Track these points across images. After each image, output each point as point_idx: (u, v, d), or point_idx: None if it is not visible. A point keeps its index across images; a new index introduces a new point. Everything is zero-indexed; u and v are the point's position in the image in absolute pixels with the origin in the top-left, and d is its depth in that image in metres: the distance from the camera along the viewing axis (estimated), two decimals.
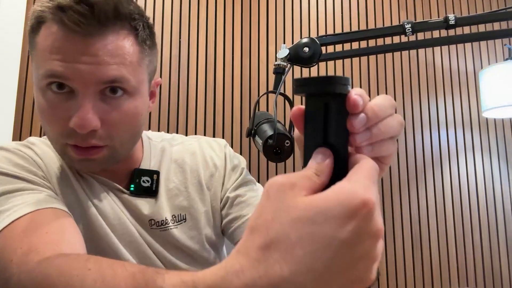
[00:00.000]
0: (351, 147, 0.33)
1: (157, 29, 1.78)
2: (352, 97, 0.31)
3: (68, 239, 0.53)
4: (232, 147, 1.08)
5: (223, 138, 1.75)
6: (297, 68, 1.85)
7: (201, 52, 1.82)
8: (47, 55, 0.55)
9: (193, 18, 1.84)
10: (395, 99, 2.01)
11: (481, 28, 1.89)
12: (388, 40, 1.78)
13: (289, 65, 0.78)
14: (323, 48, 0.77)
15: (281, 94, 0.77)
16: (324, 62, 1.93)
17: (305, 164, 0.32)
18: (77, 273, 0.41)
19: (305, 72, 1.90)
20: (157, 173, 0.71)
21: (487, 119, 2.11)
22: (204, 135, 1.78)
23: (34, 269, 0.46)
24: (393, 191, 1.93)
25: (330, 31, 1.98)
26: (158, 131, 1.64)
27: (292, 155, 0.71)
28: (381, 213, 0.29)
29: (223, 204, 0.75)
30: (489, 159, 2.09)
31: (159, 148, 0.76)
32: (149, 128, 1.72)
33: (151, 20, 0.64)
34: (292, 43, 1.22)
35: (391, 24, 2.04)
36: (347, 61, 1.97)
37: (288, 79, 1.89)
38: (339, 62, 1.95)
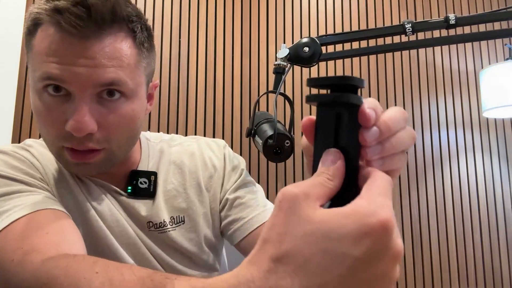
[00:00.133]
0: (361, 160, 0.32)
1: (157, 29, 1.78)
2: (366, 111, 0.30)
3: (69, 240, 0.53)
4: (232, 147, 1.08)
5: (223, 138, 1.75)
6: (297, 68, 1.85)
7: (201, 52, 1.82)
8: (44, 57, 0.54)
9: (193, 18, 1.83)
10: (395, 99, 2.01)
11: (481, 28, 1.89)
12: (388, 40, 1.78)
13: (289, 65, 0.77)
14: (323, 48, 0.77)
15: (281, 94, 0.76)
16: (324, 62, 1.93)
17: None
18: (84, 276, 0.41)
19: (306, 73, 1.90)
20: (155, 174, 0.71)
21: (487, 119, 2.11)
22: (204, 135, 1.78)
23: (39, 268, 0.46)
24: (393, 191, 1.93)
25: (330, 31, 1.98)
26: (158, 131, 1.64)
27: (292, 155, 0.70)
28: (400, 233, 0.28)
29: (223, 205, 0.75)
30: (489, 159, 2.09)
31: (157, 149, 0.76)
32: (149, 128, 1.72)
33: (149, 22, 0.64)
34: (292, 43, 1.22)
35: (391, 24, 2.04)
36: (347, 61, 1.97)
37: (288, 79, 1.89)
38: (339, 62, 1.95)
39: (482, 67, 2.13)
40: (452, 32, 0.78)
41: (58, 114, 0.56)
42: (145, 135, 0.78)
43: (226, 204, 0.74)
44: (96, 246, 0.64)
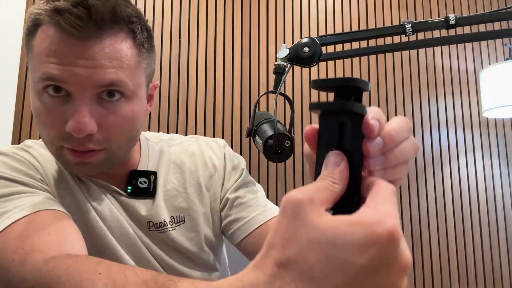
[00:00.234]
0: (363, 171, 0.32)
1: (157, 30, 1.78)
2: (369, 122, 0.30)
3: (70, 240, 0.53)
4: (232, 147, 1.08)
5: (223, 138, 1.75)
6: (297, 68, 1.85)
7: (201, 52, 1.82)
8: (44, 58, 0.54)
9: (193, 18, 1.83)
10: (395, 99, 2.01)
11: (481, 28, 1.89)
12: (388, 40, 1.78)
13: (289, 65, 0.77)
14: (323, 48, 0.77)
15: (281, 94, 0.76)
16: (324, 62, 1.93)
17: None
18: (87, 276, 0.41)
19: (306, 74, 1.90)
20: (154, 173, 0.71)
21: (487, 119, 2.11)
22: (204, 135, 1.78)
23: (41, 268, 0.46)
24: None
25: (330, 31, 1.98)
26: (158, 131, 1.64)
27: (292, 155, 0.70)
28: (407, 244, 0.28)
29: (223, 205, 0.75)
30: (489, 159, 2.09)
31: (157, 149, 0.76)
32: (149, 128, 1.72)
33: (149, 23, 0.64)
34: (292, 43, 1.22)
35: (391, 24, 2.04)
36: (347, 61, 1.97)
37: (288, 79, 1.89)
38: (339, 62, 1.95)
39: (482, 67, 2.13)
40: (452, 32, 0.78)
41: (58, 114, 0.56)
42: (144, 135, 0.78)
43: (226, 203, 0.74)
44: (96, 247, 0.64)
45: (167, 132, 1.72)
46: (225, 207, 0.74)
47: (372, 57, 2.00)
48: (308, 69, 1.90)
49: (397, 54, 2.04)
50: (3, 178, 0.59)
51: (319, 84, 0.31)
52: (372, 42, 1.78)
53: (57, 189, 0.64)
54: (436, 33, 1.82)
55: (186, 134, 1.61)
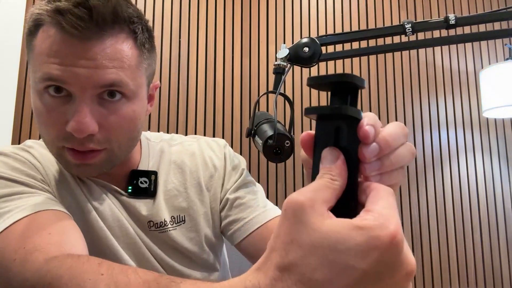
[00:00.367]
0: (359, 176, 0.31)
1: (157, 30, 1.78)
2: (364, 127, 0.29)
3: (71, 240, 0.53)
4: (232, 147, 1.08)
5: (223, 138, 1.75)
6: (297, 68, 1.85)
7: (201, 52, 1.82)
8: (45, 58, 0.54)
9: (193, 18, 1.83)
10: (395, 99, 2.01)
11: (481, 28, 1.89)
12: (388, 40, 1.78)
13: (289, 65, 0.77)
14: (323, 48, 0.77)
15: (281, 94, 0.76)
16: (324, 62, 1.93)
17: None
18: (89, 277, 0.41)
19: (306, 74, 1.90)
20: (155, 173, 0.71)
21: (487, 119, 2.11)
22: (204, 135, 1.78)
23: (42, 267, 0.46)
24: None
25: (330, 31, 1.98)
26: (158, 131, 1.64)
27: (292, 155, 0.70)
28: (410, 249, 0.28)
29: (223, 205, 0.75)
30: (489, 159, 2.09)
31: (157, 149, 0.76)
32: (149, 128, 1.72)
33: (150, 23, 0.64)
34: (292, 43, 1.22)
35: (391, 24, 2.04)
36: (347, 61, 1.97)
37: (288, 79, 1.89)
38: (339, 62, 1.95)
39: (482, 67, 2.13)
40: (452, 32, 0.78)
41: (59, 115, 0.56)
42: (145, 135, 0.78)
43: (226, 204, 0.74)
44: (96, 247, 0.64)
45: (167, 132, 1.72)
46: (225, 208, 0.74)
47: (372, 57, 2.00)
48: (308, 69, 1.90)
49: (397, 54, 2.04)
50: (4, 178, 0.59)
51: (315, 81, 0.31)
52: (372, 42, 1.78)
53: (58, 189, 0.64)
54: (436, 33, 1.82)
55: (186, 134, 1.61)
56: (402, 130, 0.33)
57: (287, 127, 0.78)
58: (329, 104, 0.31)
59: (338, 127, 0.30)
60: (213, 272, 0.76)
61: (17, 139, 1.58)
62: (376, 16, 2.05)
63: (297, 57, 0.76)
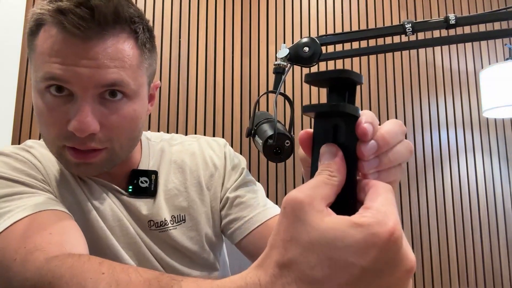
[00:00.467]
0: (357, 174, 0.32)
1: (157, 30, 1.78)
2: (362, 125, 0.30)
3: (72, 240, 0.53)
4: (232, 147, 1.08)
5: (223, 138, 1.75)
6: (297, 68, 1.85)
7: (201, 52, 1.82)
8: (46, 58, 0.54)
9: (193, 18, 1.84)
10: (395, 99, 2.01)
11: (481, 28, 1.89)
12: (388, 40, 1.78)
13: (289, 65, 0.77)
14: (323, 48, 0.77)
15: (281, 94, 0.76)
16: (324, 62, 1.93)
17: None
18: (90, 276, 0.41)
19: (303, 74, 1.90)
20: (155, 173, 0.71)
21: (487, 119, 2.11)
22: (204, 135, 1.78)
23: (43, 267, 0.46)
24: None
25: (330, 31, 1.98)
26: (158, 131, 1.64)
27: (292, 155, 0.70)
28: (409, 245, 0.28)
29: (223, 204, 0.75)
30: (489, 159, 2.09)
31: (158, 149, 0.76)
32: (149, 128, 1.72)
33: (150, 23, 0.64)
34: (292, 43, 1.22)
35: (391, 24, 2.04)
36: (347, 61, 1.97)
37: (288, 79, 1.89)
38: (339, 62, 1.95)
39: (482, 67, 2.13)
40: (452, 32, 0.78)
41: (60, 114, 0.56)
42: (145, 134, 0.78)
43: (226, 203, 0.74)
44: (97, 246, 0.64)
45: (167, 132, 1.72)
46: (225, 206, 0.74)
47: (372, 57, 2.00)
48: (308, 69, 1.90)
49: (397, 54, 2.04)
50: (4, 178, 0.59)
51: (312, 78, 0.31)
52: (372, 42, 1.78)
53: (58, 189, 0.64)
54: (436, 33, 1.82)
55: (186, 134, 1.61)
56: (400, 128, 0.33)
57: (287, 127, 0.78)
58: (327, 101, 0.31)
59: (336, 124, 0.31)
60: (213, 272, 0.76)
61: (17, 139, 1.58)
62: (376, 16, 2.05)
63: (297, 57, 0.76)
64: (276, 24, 1.92)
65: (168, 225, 0.70)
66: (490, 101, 1.79)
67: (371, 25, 2.02)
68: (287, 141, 0.68)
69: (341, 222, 0.26)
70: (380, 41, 1.84)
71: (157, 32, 1.78)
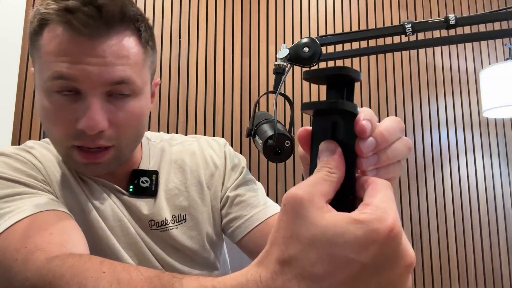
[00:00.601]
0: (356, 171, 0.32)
1: (157, 30, 1.78)
2: (360, 123, 0.30)
3: (72, 240, 0.53)
4: (232, 147, 1.08)
5: (223, 138, 1.75)
6: (297, 69, 1.85)
7: (201, 52, 1.82)
8: (53, 57, 0.55)
9: (193, 18, 1.84)
10: (395, 99, 2.01)
11: (481, 28, 1.89)
12: (388, 40, 1.78)
13: (289, 65, 0.77)
14: (323, 48, 0.77)
15: (281, 94, 0.76)
16: (324, 62, 1.93)
17: None
18: (91, 275, 0.41)
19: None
20: (156, 173, 0.71)
21: (487, 119, 2.11)
22: (204, 135, 1.77)
23: (43, 266, 0.46)
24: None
25: (330, 31, 1.98)
26: (158, 131, 1.64)
27: (292, 155, 0.70)
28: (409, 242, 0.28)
29: (223, 203, 0.75)
30: (489, 159, 2.09)
31: (158, 149, 0.76)
32: (149, 128, 1.72)
33: (150, 22, 0.65)
34: (292, 43, 1.22)
35: (391, 24, 2.04)
36: (347, 61, 1.97)
37: (288, 79, 1.89)
38: (339, 62, 1.95)
39: (482, 67, 2.13)
40: (452, 32, 0.78)
41: (69, 113, 0.56)
42: (145, 134, 0.78)
43: (226, 202, 0.74)
44: (97, 246, 0.64)
45: (167, 132, 1.73)
46: (226, 205, 0.74)
47: (372, 57, 2.01)
48: (308, 69, 1.90)
49: (397, 54, 2.04)
50: (5, 179, 0.59)
51: (310, 75, 0.31)
52: (372, 42, 1.78)
53: (59, 190, 0.65)
54: (436, 33, 1.82)
55: (186, 134, 1.61)
56: (398, 125, 0.33)
57: (287, 127, 0.79)
58: (325, 98, 0.32)
59: (335, 122, 0.31)
60: (214, 271, 0.76)
61: (17, 139, 1.58)
62: (376, 16, 2.05)
63: (297, 57, 0.76)
64: (276, 24, 1.92)
65: (169, 224, 0.70)
66: (490, 101, 1.79)
67: (371, 25, 2.02)
68: (287, 141, 0.68)
69: (341, 218, 0.26)
70: (380, 41, 1.84)
71: (157, 32, 1.78)
